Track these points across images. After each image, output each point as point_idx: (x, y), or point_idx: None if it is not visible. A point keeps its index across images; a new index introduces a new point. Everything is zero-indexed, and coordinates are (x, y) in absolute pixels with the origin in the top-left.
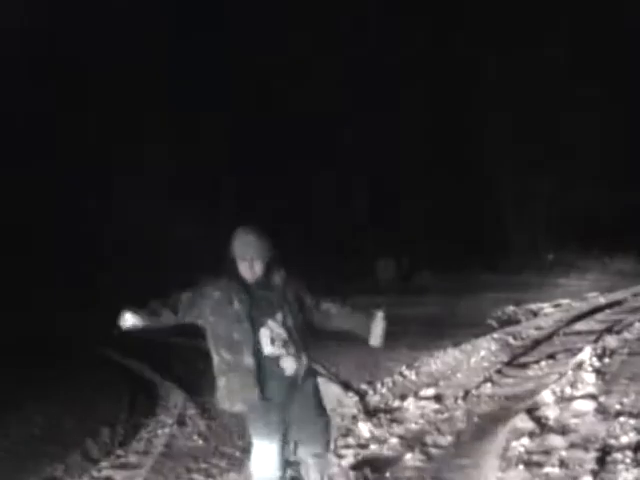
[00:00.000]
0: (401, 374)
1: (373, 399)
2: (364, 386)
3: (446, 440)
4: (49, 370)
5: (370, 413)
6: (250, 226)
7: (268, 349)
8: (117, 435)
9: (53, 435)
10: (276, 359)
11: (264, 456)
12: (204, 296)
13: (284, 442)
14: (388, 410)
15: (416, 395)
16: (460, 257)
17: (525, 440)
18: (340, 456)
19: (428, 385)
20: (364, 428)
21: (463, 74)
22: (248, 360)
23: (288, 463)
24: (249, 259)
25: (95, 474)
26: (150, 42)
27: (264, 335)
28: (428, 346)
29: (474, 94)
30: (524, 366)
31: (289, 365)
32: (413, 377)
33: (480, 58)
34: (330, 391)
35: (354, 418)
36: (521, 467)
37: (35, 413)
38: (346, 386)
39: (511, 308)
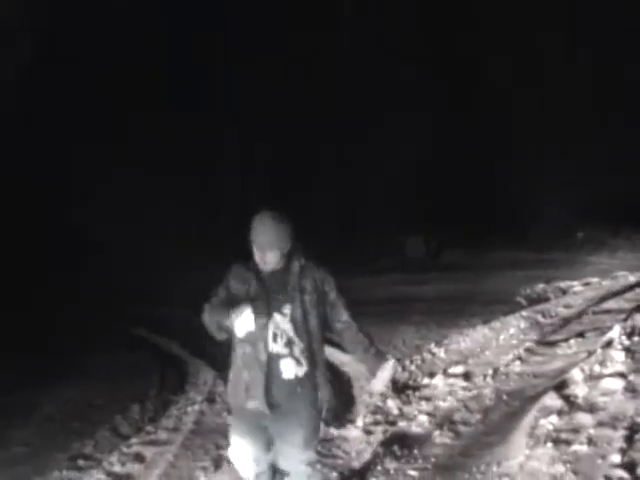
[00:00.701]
0: (430, 351)
1: (402, 376)
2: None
3: (474, 418)
4: (79, 348)
5: (399, 390)
6: (271, 212)
7: (271, 346)
8: (147, 411)
9: (83, 412)
10: (277, 358)
11: (240, 456)
12: (228, 288)
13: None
14: (417, 387)
15: (445, 372)
16: (489, 234)
17: (553, 418)
18: (369, 432)
19: (457, 363)
20: (393, 405)
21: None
22: (262, 356)
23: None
24: (262, 248)
25: (125, 450)
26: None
27: (269, 331)
28: (457, 323)
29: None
30: (553, 344)
31: (288, 369)
32: (442, 354)
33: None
34: (358, 368)
35: (382, 395)
36: (549, 445)
37: (65, 390)
38: None
39: (540, 286)
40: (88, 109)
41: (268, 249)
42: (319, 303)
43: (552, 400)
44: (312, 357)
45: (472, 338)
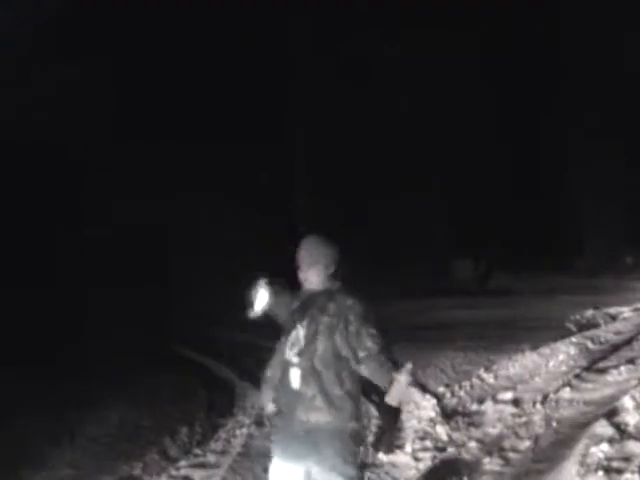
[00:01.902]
0: (479, 377)
1: (451, 402)
2: (442, 389)
3: (524, 445)
4: (126, 369)
5: (448, 416)
6: (316, 235)
7: (287, 352)
8: (195, 434)
9: (131, 434)
10: (289, 366)
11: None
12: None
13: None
14: (466, 413)
15: (494, 398)
16: (536, 258)
17: (604, 446)
18: (417, 459)
19: (506, 389)
20: (442, 431)
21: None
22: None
23: None
24: (305, 265)
25: (173, 473)
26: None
27: (290, 339)
28: (505, 349)
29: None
30: (603, 371)
31: (294, 379)
32: (491, 380)
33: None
34: (407, 393)
35: (432, 421)
36: (600, 473)
37: (112, 412)
38: (423, 388)
39: (589, 312)
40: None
41: (310, 266)
42: (340, 328)
43: (603, 428)
44: (311, 376)
45: (521, 364)
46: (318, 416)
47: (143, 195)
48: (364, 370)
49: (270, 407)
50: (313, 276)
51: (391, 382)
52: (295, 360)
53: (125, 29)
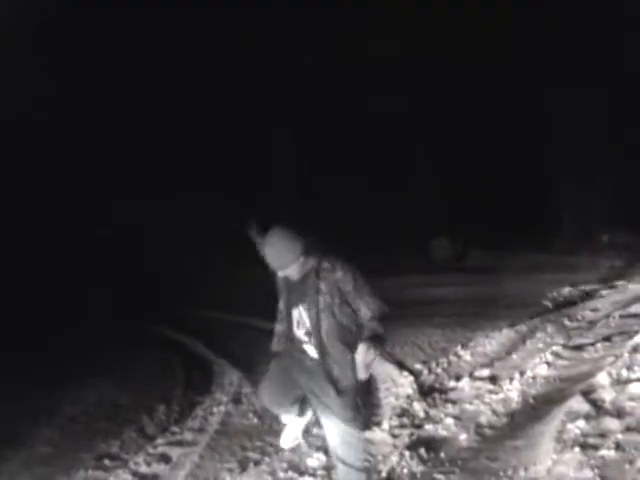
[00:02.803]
0: (456, 354)
1: (428, 379)
2: (419, 366)
3: (501, 421)
4: (103, 347)
5: (425, 393)
6: (277, 234)
7: (295, 331)
8: (173, 412)
9: (109, 412)
10: (300, 343)
11: (270, 390)
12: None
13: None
14: (443, 390)
15: (471, 375)
16: (514, 236)
17: (581, 422)
18: (395, 436)
19: (483, 365)
20: (419, 408)
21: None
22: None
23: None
24: (275, 267)
25: (151, 451)
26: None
27: (294, 317)
28: (483, 326)
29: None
30: (580, 348)
31: (310, 352)
32: (468, 357)
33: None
34: (384, 370)
35: (409, 398)
36: (577, 449)
37: (91, 391)
38: (401, 365)
39: (566, 289)
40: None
41: (284, 266)
42: (337, 302)
43: (579, 404)
44: (323, 351)
45: (498, 341)
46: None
47: (137, 194)
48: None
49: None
50: (291, 271)
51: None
52: (305, 339)
53: (125, 28)
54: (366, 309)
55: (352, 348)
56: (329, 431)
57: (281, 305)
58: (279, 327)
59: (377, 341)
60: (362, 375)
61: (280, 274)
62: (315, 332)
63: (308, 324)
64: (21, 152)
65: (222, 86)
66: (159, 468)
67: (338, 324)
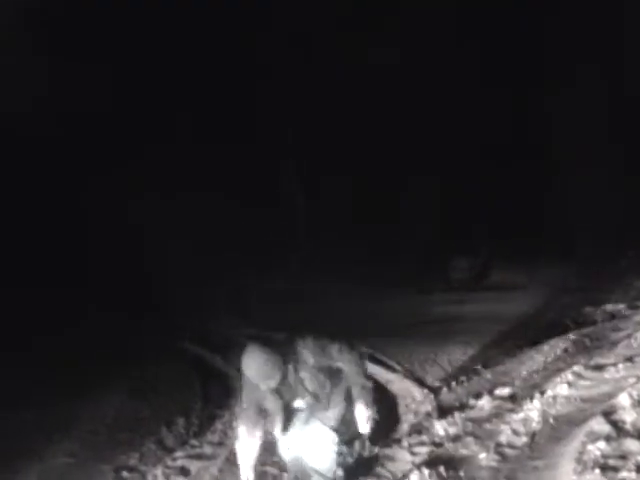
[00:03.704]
0: (476, 372)
1: (448, 397)
2: (438, 383)
3: (521, 441)
4: (122, 360)
5: (444, 410)
6: (257, 351)
7: None
8: (192, 425)
9: (127, 424)
10: None
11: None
12: None
13: None
14: (462, 408)
15: (491, 394)
16: (534, 255)
17: (601, 444)
18: (414, 453)
19: (503, 384)
20: (438, 426)
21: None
22: None
23: None
24: (257, 381)
25: (170, 463)
26: None
27: None
28: (503, 345)
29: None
30: (601, 368)
31: None
32: (488, 376)
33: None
34: (404, 387)
35: (428, 415)
36: (597, 471)
37: (108, 402)
38: (420, 383)
39: (587, 308)
40: None
41: (265, 383)
42: None
43: (600, 425)
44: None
45: (518, 360)
46: None
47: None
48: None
49: None
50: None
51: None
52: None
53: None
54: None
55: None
56: (308, 443)
57: None
58: None
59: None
60: (366, 429)
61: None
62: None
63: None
64: (20, 152)
65: (221, 88)
66: None
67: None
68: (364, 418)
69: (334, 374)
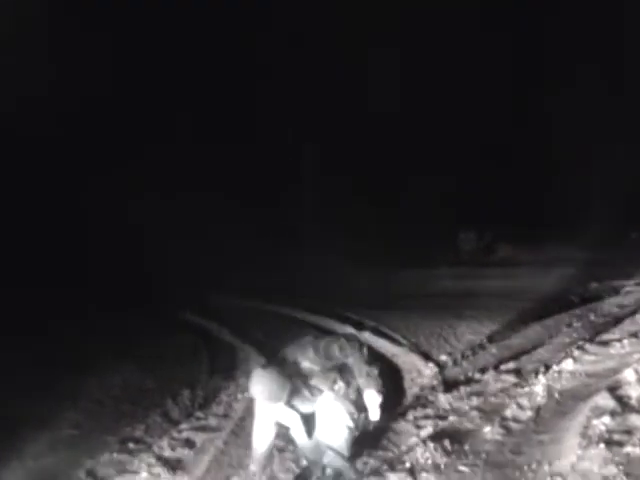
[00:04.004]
0: (482, 346)
1: (453, 370)
2: (444, 357)
3: (526, 415)
4: (129, 333)
5: (450, 384)
6: (266, 373)
7: None
8: (197, 397)
9: (133, 396)
10: None
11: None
12: None
13: None
14: (468, 382)
15: (496, 368)
16: (541, 231)
17: (606, 418)
18: (419, 427)
19: (509, 359)
20: (443, 399)
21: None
22: None
23: None
24: (260, 400)
25: (175, 435)
26: None
27: None
28: (509, 320)
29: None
30: (606, 343)
31: None
32: (494, 350)
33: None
34: (410, 361)
35: (433, 389)
36: (602, 446)
37: (115, 375)
38: (426, 356)
39: (593, 284)
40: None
41: (271, 402)
42: None
43: (605, 400)
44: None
45: (524, 335)
46: None
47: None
48: None
49: None
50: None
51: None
52: None
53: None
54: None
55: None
56: (323, 422)
57: None
58: None
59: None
60: (376, 416)
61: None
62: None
63: None
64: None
65: (221, 85)
66: (183, 453)
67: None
68: (374, 405)
69: (341, 368)
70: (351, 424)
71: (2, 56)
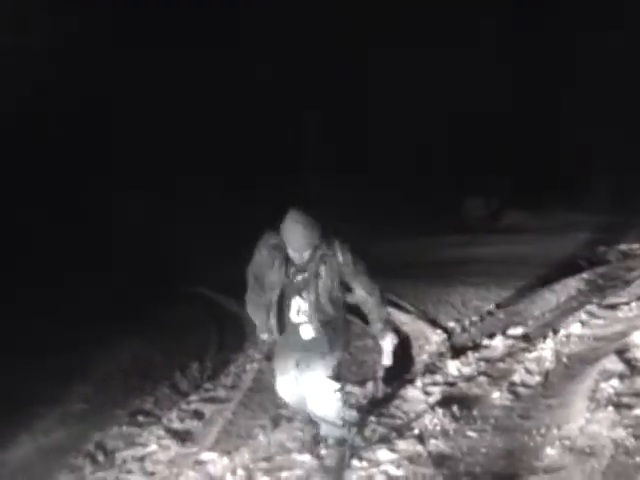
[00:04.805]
0: (489, 312)
1: (461, 337)
2: (452, 324)
3: (534, 379)
4: (136, 306)
5: (458, 351)
6: (301, 216)
7: (294, 317)
8: (206, 369)
9: (142, 369)
10: (298, 325)
11: (282, 384)
12: (259, 253)
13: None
14: (476, 348)
15: (504, 334)
16: (548, 196)
17: (614, 381)
18: (427, 393)
19: (517, 324)
20: (451, 366)
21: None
22: (273, 318)
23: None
24: (296, 249)
25: (184, 407)
26: None
27: (293, 307)
28: (516, 285)
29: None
30: (614, 307)
31: (307, 332)
32: (501, 316)
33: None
34: (417, 328)
35: (441, 355)
36: (610, 408)
37: (124, 348)
38: (434, 323)
39: (601, 248)
40: None
41: (302, 250)
42: (335, 284)
43: (613, 364)
44: (325, 324)
45: (532, 300)
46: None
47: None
48: (359, 298)
49: (266, 336)
50: (305, 253)
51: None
52: (304, 320)
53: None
54: (361, 289)
55: (341, 312)
56: (311, 394)
57: (273, 294)
58: (262, 315)
59: (393, 328)
60: (388, 361)
61: (293, 255)
62: (317, 312)
63: (309, 309)
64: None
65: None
66: (192, 424)
67: (332, 298)
68: (388, 349)
69: (334, 328)
70: (338, 394)
71: (2, 56)
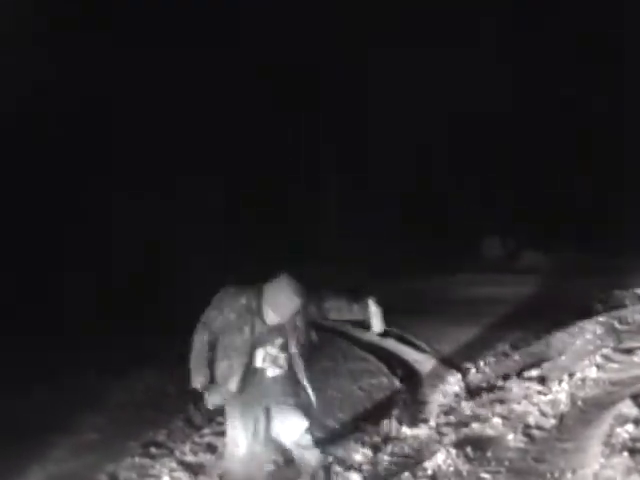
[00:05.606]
0: (504, 353)
1: (476, 377)
2: (467, 364)
3: (549, 422)
4: (149, 337)
5: (472, 392)
6: (294, 284)
7: (259, 363)
8: None
9: (155, 401)
10: (263, 370)
11: (235, 441)
12: (222, 313)
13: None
14: (490, 389)
15: (519, 375)
16: (564, 238)
17: (630, 427)
18: (441, 433)
19: (532, 366)
20: (466, 406)
21: None
22: (237, 374)
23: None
24: (284, 316)
25: (197, 440)
26: None
27: (259, 355)
28: (532, 327)
29: None
30: (630, 351)
31: (271, 373)
32: (517, 357)
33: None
34: (432, 367)
35: (456, 396)
36: (625, 454)
37: (137, 380)
38: (449, 363)
39: (617, 292)
40: None
41: (290, 316)
42: (307, 329)
43: (628, 408)
44: (292, 364)
45: (547, 342)
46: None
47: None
48: (334, 316)
49: (203, 381)
50: (289, 321)
51: (365, 313)
52: (269, 365)
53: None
54: (330, 303)
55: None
56: (289, 428)
57: (236, 359)
58: (224, 365)
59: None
60: (379, 327)
61: (272, 319)
62: (286, 355)
63: (278, 354)
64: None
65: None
66: (205, 457)
67: (305, 346)
68: (377, 316)
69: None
70: (302, 415)
71: (2, 56)
